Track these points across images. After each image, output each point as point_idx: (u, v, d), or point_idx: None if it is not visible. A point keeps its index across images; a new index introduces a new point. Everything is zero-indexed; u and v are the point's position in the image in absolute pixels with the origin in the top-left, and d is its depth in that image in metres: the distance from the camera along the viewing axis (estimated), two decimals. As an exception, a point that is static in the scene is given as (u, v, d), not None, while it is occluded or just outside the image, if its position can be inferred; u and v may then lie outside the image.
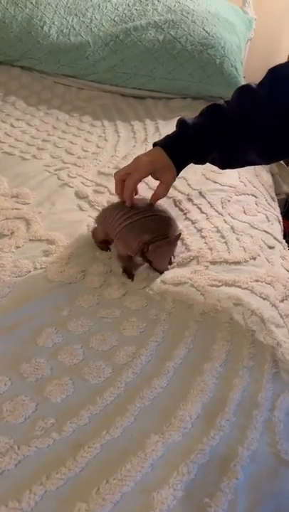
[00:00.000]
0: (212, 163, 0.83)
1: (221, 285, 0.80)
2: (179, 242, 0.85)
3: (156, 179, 0.80)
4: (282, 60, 1.87)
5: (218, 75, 1.41)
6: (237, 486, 0.51)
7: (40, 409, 0.59)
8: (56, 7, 1.50)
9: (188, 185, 1.10)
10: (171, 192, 1.05)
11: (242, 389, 0.63)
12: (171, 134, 0.81)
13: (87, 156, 1.20)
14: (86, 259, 0.85)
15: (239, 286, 0.80)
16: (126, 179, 0.79)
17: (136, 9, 1.48)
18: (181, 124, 0.80)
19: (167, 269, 0.82)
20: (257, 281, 0.82)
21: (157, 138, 1.29)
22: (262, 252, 0.92)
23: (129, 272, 0.81)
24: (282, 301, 0.80)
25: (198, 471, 0.53)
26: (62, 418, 0.58)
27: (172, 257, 0.84)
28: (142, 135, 1.32)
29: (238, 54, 1.46)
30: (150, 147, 1.24)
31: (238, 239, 0.93)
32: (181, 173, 1.12)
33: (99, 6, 1.50)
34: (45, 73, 1.56)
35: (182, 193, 1.06)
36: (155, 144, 0.81)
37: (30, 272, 0.81)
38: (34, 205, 0.98)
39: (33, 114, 1.40)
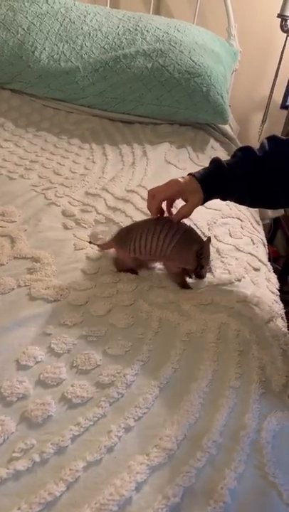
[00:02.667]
0: (240, 202, 0.88)
1: (208, 304, 0.80)
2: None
3: (184, 200, 0.84)
4: (266, 91, 1.94)
5: (205, 103, 1.45)
6: (224, 509, 0.49)
7: (21, 429, 0.57)
8: (47, 34, 1.54)
9: (175, 208, 1.10)
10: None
11: (228, 410, 0.61)
12: (207, 168, 0.85)
13: (75, 177, 1.20)
14: (71, 277, 0.84)
15: (225, 306, 0.80)
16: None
17: (125, 38, 1.53)
18: (216, 163, 0.83)
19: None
20: (243, 301, 0.82)
21: (145, 162, 1.31)
22: (247, 274, 0.92)
23: (187, 285, 0.85)
24: (268, 322, 0.80)
25: (184, 495, 0.51)
26: (43, 439, 0.56)
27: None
28: (130, 159, 1.33)
29: (224, 83, 1.51)
30: (138, 171, 1.27)
31: (222, 261, 0.94)
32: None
33: (89, 34, 1.54)
34: (34, 96, 1.58)
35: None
36: (189, 174, 0.85)
37: (13, 289, 0.79)
38: (20, 223, 0.98)
39: (21, 135, 1.41)
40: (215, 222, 1.07)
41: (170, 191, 0.83)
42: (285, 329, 0.81)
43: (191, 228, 0.85)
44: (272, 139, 0.84)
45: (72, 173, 1.22)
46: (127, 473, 0.52)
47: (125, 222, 1.02)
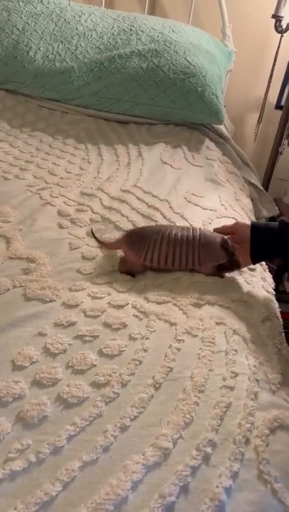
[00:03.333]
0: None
1: (204, 304, 0.80)
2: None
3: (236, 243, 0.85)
4: (260, 91, 1.94)
5: (200, 103, 1.45)
6: (220, 508, 0.50)
7: (16, 430, 0.57)
8: (42, 34, 1.54)
9: (171, 208, 1.11)
10: (154, 214, 1.06)
11: (224, 409, 0.62)
12: (273, 227, 0.85)
13: (70, 177, 1.20)
14: (66, 277, 0.83)
15: (221, 306, 0.80)
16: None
17: (120, 38, 1.53)
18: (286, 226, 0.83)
19: None
20: (238, 301, 0.82)
21: (140, 162, 1.31)
22: (242, 273, 0.92)
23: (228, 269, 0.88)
24: (263, 321, 0.80)
25: (180, 494, 0.51)
26: (39, 439, 0.56)
27: None
28: (126, 159, 1.33)
29: (219, 83, 1.51)
30: (133, 171, 1.27)
31: (219, 260, 0.94)
32: (164, 196, 1.15)
33: (84, 34, 1.54)
34: (29, 97, 1.58)
35: (164, 216, 1.07)
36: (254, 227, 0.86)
37: (9, 289, 0.79)
38: (15, 223, 0.97)
39: (16, 136, 1.40)
40: (210, 223, 1.07)
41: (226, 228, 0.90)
42: (280, 328, 0.82)
43: (198, 227, 0.87)
44: None
45: (67, 173, 1.22)
46: (122, 472, 0.53)
47: (121, 222, 1.02)
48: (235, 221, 0.92)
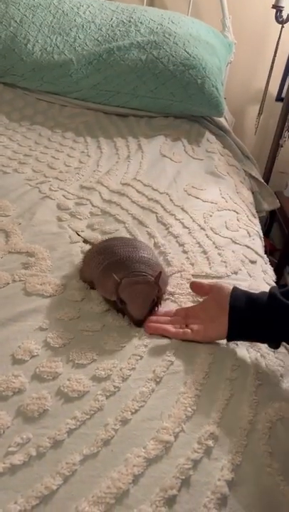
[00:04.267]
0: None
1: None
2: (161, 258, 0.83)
3: (194, 316, 0.72)
4: (261, 83, 1.93)
5: (200, 95, 1.44)
6: (222, 501, 0.49)
7: (17, 424, 0.57)
8: (40, 26, 1.52)
9: (171, 200, 1.10)
10: (154, 207, 1.06)
11: (225, 402, 0.61)
12: (258, 299, 0.66)
13: (70, 171, 1.19)
14: (66, 272, 0.83)
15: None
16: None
17: (119, 30, 1.51)
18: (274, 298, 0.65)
19: (142, 317, 0.70)
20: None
21: (140, 155, 1.30)
22: (244, 266, 0.92)
23: (122, 313, 0.73)
24: (264, 314, 0.80)
25: (182, 487, 0.51)
26: (39, 433, 0.55)
27: (156, 305, 0.74)
28: (125, 152, 1.32)
29: (219, 75, 1.50)
30: (133, 164, 1.27)
31: (219, 254, 0.93)
32: (164, 189, 1.14)
33: (83, 26, 1.53)
34: (28, 90, 1.57)
35: (165, 208, 1.06)
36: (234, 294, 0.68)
37: (8, 283, 0.79)
38: (14, 217, 0.97)
39: (15, 129, 1.40)
40: (211, 215, 1.06)
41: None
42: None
43: (147, 258, 0.73)
44: None
45: (66, 167, 1.21)
46: (124, 466, 0.52)
47: (121, 215, 1.01)
48: (216, 282, 0.76)
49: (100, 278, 0.74)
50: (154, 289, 0.70)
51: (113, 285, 0.69)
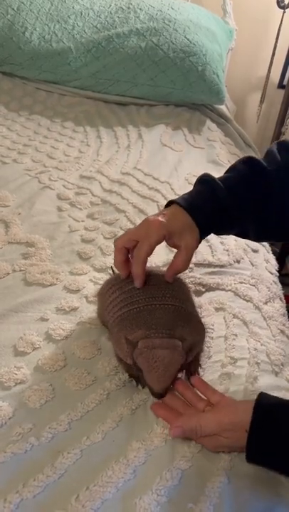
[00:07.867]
0: (242, 235, 0.67)
1: (205, 291, 0.79)
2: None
3: (174, 246, 0.61)
4: (263, 70, 1.90)
5: (200, 82, 1.42)
6: (222, 489, 0.49)
7: (18, 414, 0.57)
8: (38, 13, 1.50)
9: (172, 189, 1.09)
10: (155, 196, 1.05)
11: (224, 392, 0.61)
12: (193, 191, 0.63)
13: (69, 161, 1.18)
14: (67, 262, 0.83)
15: (223, 289, 0.79)
16: (134, 248, 0.60)
17: (118, 17, 1.49)
18: (209, 183, 0.63)
19: (163, 391, 0.55)
20: (241, 283, 0.81)
21: (140, 144, 1.29)
22: (246, 255, 0.91)
23: (137, 379, 0.60)
24: (266, 303, 0.79)
25: (182, 477, 0.51)
26: (40, 423, 0.55)
27: (180, 373, 0.59)
28: (125, 141, 1.31)
29: (220, 62, 1.48)
30: (133, 153, 1.25)
31: (222, 242, 0.93)
32: (165, 178, 1.13)
33: (81, 13, 1.50)
34: (26, 79, 1.55)
35: (166, 197, 1.05)
36: (170, 202, 0.63)
37: (8, 273, 0.78)
38: (14, 207, 0.96)
39: (14, 119, 1.38)
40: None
41: (153, 241, 0.58)
42: (283, 310, 0.81)
43: (176, 308, 0.58)
44: (283, 146, 0.65)
45: (66, 157, 1.20)
46: (124, 456, 0.52)
47: (122, 204, 1.01)
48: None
49: (114, 330, 0.59)
50: (179, 355, 0.55)
51: (128, 346, 0.55)
